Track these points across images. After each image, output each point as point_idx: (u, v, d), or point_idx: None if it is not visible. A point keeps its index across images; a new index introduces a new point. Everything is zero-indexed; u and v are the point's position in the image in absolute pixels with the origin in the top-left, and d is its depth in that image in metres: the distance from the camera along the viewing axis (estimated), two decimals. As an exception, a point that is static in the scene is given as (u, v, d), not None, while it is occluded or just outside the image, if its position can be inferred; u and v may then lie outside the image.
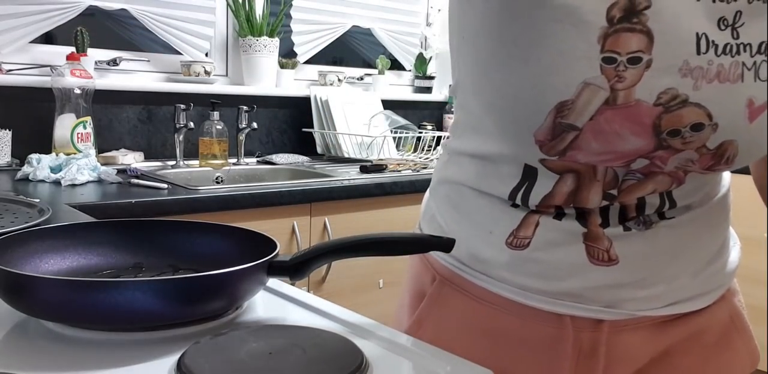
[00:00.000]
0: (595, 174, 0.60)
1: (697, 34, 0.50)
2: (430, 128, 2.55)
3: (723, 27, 0.51)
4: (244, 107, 2.16)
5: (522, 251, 0.65)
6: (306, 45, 2.43)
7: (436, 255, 0.75)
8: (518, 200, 0.64)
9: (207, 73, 2.13)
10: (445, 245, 0.72)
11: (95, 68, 1.94)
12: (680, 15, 0.50)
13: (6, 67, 1.86)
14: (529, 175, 0.62)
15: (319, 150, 2.32)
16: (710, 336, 0.71)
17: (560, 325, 0.65)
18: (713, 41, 0.51)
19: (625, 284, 0.63)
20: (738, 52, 0.51)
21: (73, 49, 1.89)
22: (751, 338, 0.78)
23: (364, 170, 2.00)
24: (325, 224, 1.74)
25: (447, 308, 0.72)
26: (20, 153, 1.78)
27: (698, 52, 0.50)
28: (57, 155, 1.71)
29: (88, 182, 1.62)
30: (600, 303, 0.64)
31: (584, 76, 0.51)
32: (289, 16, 2.38)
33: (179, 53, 2.16)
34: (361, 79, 2.60)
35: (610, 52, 0.51)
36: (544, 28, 0.51)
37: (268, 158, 2.20)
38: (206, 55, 2.24)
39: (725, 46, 0.51)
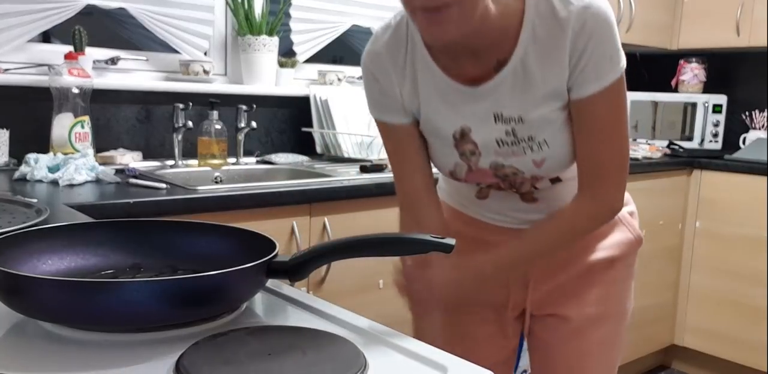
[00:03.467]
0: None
1: (497, 139, 1.06)
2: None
3: (507, 134, 1.06)
4: (243, 107, 2.16)
5: (485, 200, 1.19)
6: (305, 44, 2.42)
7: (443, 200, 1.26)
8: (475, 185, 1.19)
9: (206, 72, 2.13)
10: (445, 245, 0.71)
11: (93, 67, 1.93)
12: (488, 132, 1.06)
13: (3, 66, 1.85)
14: None
15: (318, 150, 2.32)
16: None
17: (508, 233, 1.18)
18: (504, 141, 1.06)
19: (542, 210, 1.16)
20: (518, 143, 1.06)
21: (71, 48, 1.89)
22: (635, 228, 1.27)
23: (364, 170, 1.99)
24: (324, 225, 1.74)
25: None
26: (18, 153, 1.77)
27: (500, 146, 1.07)
28: (55, 154, 1.70)
29: (86, 181, 1.61)
30: (529, 222, 1.17)
31: (454, 160, 1.11)
32: (289, 15, 2.37)
33: (178, 52, 2.16)
34: (361, 78, 2.59)
35: (461, 151, 1.10)
36: (430, 139, 1.13)
37: (268, 157, 2.20)
38: (205, 54, 2.23)
39: (511, 142, 1.06)
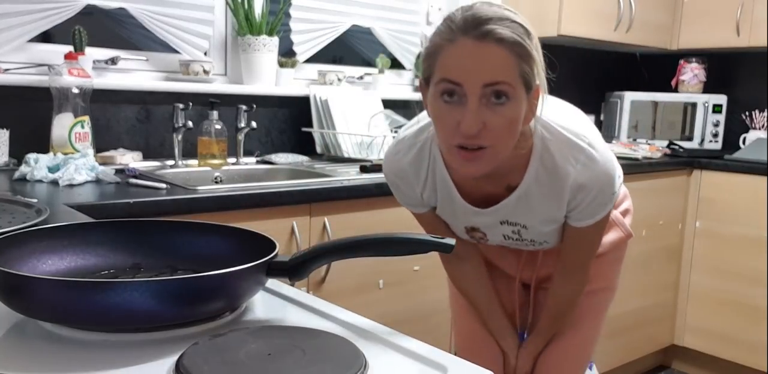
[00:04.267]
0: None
1: (503, 235, 1.27)
2: (429, 127, 2.54)
3: (513, 233, 1.25)
4: (243, 107, 2.16)
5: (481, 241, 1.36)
6: (305, 44, 2.42)
7: None
8: None
9: (206, 72, 2.13)
10: (445, 245, 0.71)
11: (93, 67, 1.93)
12: (496, 231, 1.26)
13: (3, 66, 1.85)
14: None
15: (318, 150, 2.32)
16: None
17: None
18: (510, 236, 1.27)
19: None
20: (521, 240, 1.28)
21: (71, 48, 1.89)
22: (626, 226, 1.43)
23: (364, 170, 1.99)
24: (324, 225, 1.74)
25: None
26: (18, 153, 1.77)
27: (505, 239, 1.29)
28: (55, 154, 1.70)
29: (86, 182, 1.61)
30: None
31: (465, 238, 1.33)
32: (289, 15, 2.37)
33: (178, 52, 2.16)
34: (361, 78, 2.59)
35: (471, 235, 1.31)
36: (443, 218, 1.30)
37: (268, 157, 2.20)
38: (205, 54, 2.23)
39: (516, 238, 1.27)
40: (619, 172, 1.18)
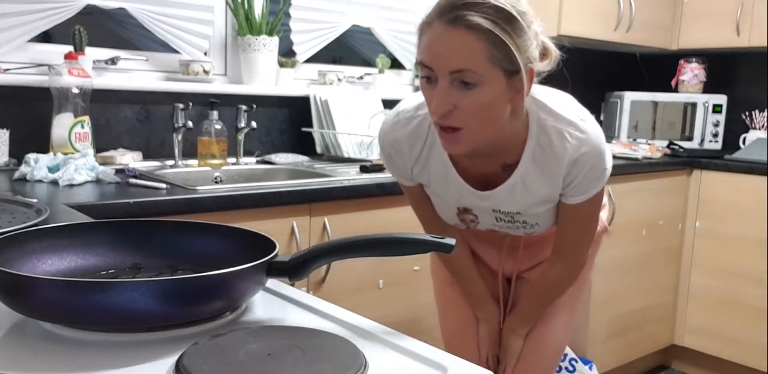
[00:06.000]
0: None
1: (495, 218, 1.28)
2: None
3: (505, 216, 1.26)
4: (243, 107, 2.16)
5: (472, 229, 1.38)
6: (305, 44, 2.42)
7: None
8: None
9: (206, 72, 2.13)
10: (445, 245, 0.71)
11: (93, 67, 1.93)
12: (488, 216, 1.29)
13: (3, 66, 1.85)
14: None
15: (318, 150, 2.32)
16: None
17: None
18: (501, 219, 1.28)
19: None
20: (512, 222, 1.28)
21: (71, 48, 1.88)
22: (603, 221, 1.44)
23: (364, 170, 1.99)
24: (324, 225, 1.74)
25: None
26: (18, 153, 1.77)
27: (497, 222, 1.29)
28: (55, 154, 1.70)
29: (86, 182, 1.61)
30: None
31: (454, 221, 1.34)
32: (289, 15, 2.37)
33: (178, 52, 2.16)
34: (361, 78, 2.59)
35: (461, 218, 1.32)
36: (435, 201, 1.32)
37: (268, 157, 2.20)
38: (205, 54, 2.23)
39: (507, 221, 1.28)
40: (609, 148, 1.21)
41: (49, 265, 0.76)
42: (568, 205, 1.23)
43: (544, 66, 1.12)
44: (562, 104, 1.17)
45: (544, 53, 1.12)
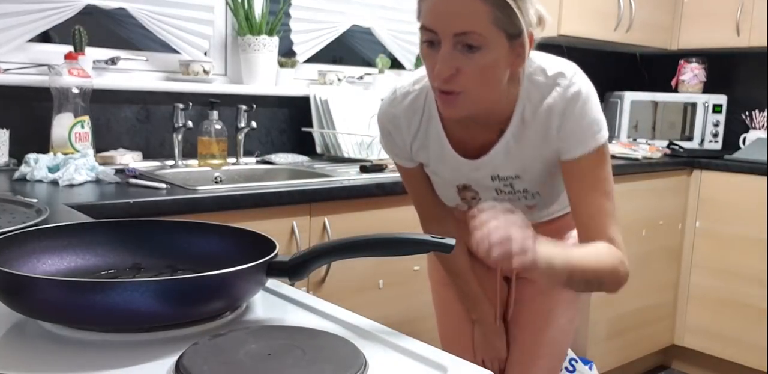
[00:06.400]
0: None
1: (496, 189, 1.25)
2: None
3: (506, 186, 1.24)
4: (243, 107, 2.16)
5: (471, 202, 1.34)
6: (305, 44, 2.42)
7: None
8: None
9: (206, 72, 2.13)
10: (445, 245, 0.71)
11: (93, 67, 1.93)
12: (487, 187, 1.25)
13: (3, 66, 1.85)
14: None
15: (318, 150, 2.32)
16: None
17: None
18: (502, 191, 1.25)
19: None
20: (513, 193, 1.25)
21: (71, 48, 1.89)
22: None
23: (364, 170, 1.99)
24: (324, 225, 1.74)
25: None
26: (18, 153, 1.77)
27: (498, 194, 1.26)
28: (55, 154, 1.70)
29: (86, 182, 1.61)
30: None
31: (456, 202, 1.32)
32: (289, 15, 2.37)
33: (178, 52, 2.16)
34: (361, 78, 2.59)
35: (462, 196, 1.30)
36: (435, 180, 1.31)
37: (268, 157, 2.20)
38: (205, 54, 2.23)
39: (508, 192, 1.25)
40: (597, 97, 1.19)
41: (49, 265, 0.76)
42: (571, 163, 1.15)
43: (538, 33, 1.11)
44: (551, 59, 1.18)
45: (539, 20, 1.11)
